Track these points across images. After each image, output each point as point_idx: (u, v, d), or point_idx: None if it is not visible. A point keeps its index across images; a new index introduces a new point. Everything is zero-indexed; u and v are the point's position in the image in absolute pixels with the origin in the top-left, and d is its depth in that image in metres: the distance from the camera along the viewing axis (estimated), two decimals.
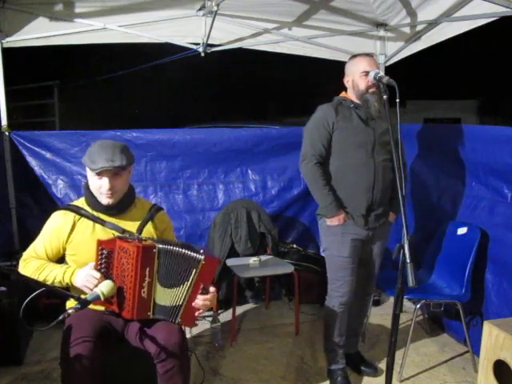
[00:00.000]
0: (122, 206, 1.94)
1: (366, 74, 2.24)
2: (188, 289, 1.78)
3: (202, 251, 1.78)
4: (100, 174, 1.83)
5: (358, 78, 2.29)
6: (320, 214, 2.43)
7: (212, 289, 1.83)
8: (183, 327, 1.89)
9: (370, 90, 2.26)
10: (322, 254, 2.51)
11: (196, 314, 1.83)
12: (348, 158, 2.30)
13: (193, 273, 1.77)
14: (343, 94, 2.41)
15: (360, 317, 2.65)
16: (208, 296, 1.81)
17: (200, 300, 1.80)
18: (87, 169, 1.88)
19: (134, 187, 2.04)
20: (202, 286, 1.79)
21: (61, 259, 1.94)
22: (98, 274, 1.73)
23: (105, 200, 1.88)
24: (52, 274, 1.80)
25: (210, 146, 3.53)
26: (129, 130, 3.43)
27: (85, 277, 1.74)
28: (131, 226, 1.95)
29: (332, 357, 2.47)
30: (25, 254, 1.91)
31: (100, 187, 1.86)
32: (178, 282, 1.78)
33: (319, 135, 2.31)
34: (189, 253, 1.77)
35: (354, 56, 2.39)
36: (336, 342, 2.43)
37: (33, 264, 1.84)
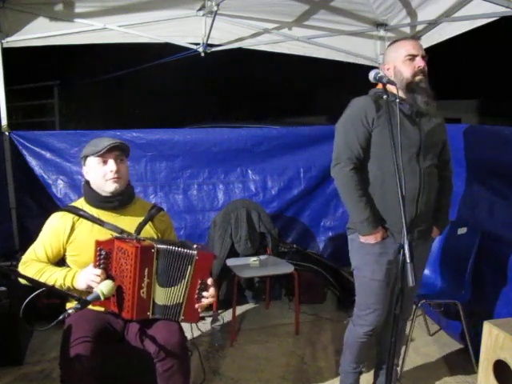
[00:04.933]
0: (123, 198, 1.94)
1: (412, 58, 1.93)
2: (186, 286, 1.79)
3: (194, 246, 1.79)
4: (105, 156, 1.86)
5: (401, 64, 1.95)
6: (352, 229, 2.07)
7: (210, 281, 1.84)
8: (190, 325, 1.89)
9: (417, 78, 1.94)
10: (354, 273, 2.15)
11: (198, 309, 1.84)
12: (389, 162, 1.84)
13: (188, 269, 1.78)
14: (381, 85, 1.97)
15: (398, 345, 2.20)
16: (210, 292, 1.83)
17: (204, 297, 1.82)
18: (88, 161, 1.91)
19: (133, 186, 2.04)
20: (199, 282, 1.80)
21: (61, 260, 1.94)
22: (98, 271, 1.73)
23: (111, 186, 1.88)
24: (53, 278, 1.80)
25: (210, 145, 3.54)
26: (129, 130, 3.44)
27: (87, 277, 1.74)
28: (130, 225, 1.94)
29: (344, 378, 2.27)
30: (24, 257, 1.90)
31: (105, 174, 1.87)
32: (176, 281, 1.79)
33: (357, 134, 1.95)
34: (182, 250, 1.78)
35: (395, 41, 2.05)
36: (353, 367, 2.22)
37: (32, 267, 1.83)
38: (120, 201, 1.94)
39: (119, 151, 1.91)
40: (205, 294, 1.82)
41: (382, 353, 2.30)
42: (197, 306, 1.83)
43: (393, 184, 1.86)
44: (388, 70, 2.03)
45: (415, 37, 2.04)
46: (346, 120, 2.02)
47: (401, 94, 1.94)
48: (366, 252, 2.02)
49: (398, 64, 1.97)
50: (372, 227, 1.95)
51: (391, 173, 1.89)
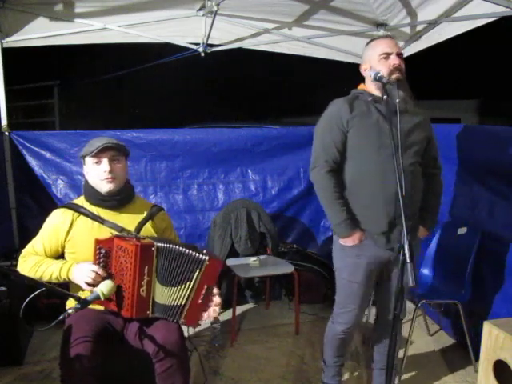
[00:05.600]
0: (121, 197, 1.95)
1: (387, 56, 1.93)
2: (191, 289, 1.79)
3: (204, 251, 1.79)
4: (99, 156, 1.86)
5: (376, 63, 1.96)
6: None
7: (216, 291, 1.84)
8: (186, 327, 1.89)
9: (394, 76, 1.92)
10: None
11: (203, 318, 1.83)
12: (366, 163, 1.95)
13: (196, 273, 1.78)
14: (361, 86, 2.07)
15: (390, 346, 2.20)
16: (215, 301, 1.83)
17: (211, 308, 1.82)
18: (86, 161, 1.92)
19: (133, 185, 2.05)
20: (205, 287, 1.80)
21: (60, 257, 1.94)
22: (95, 267, 1.74)
23: (106, 186, 1.89)
24: (49, 270, 1.81)
25: (210, 145, 3.54)
26: (129, 130, 3.44)
27: (84, 272, 1.74)
28: (130, 223, 1.95)
29: (327, 371, 2.32)
30: (24, 251, 1.91)
31: (99, 174, 1.88)
32: (179, 282, 1.78)
33: (332, 136, 1.97)
34: (191, 253, 1.77)
35: (370, 41, 2.06)
36: (334, 361, 2.27)
37: (30, 260, 1.85)
38: (118, 200, 1.94)
39: (115, 151, 1.90)
40: (212, 303, 1.82)
41: (378, 354, 2.30)
42: (199, 311, 1.82)
43: (370, 184, 1.94)
44: (365, 70, 2.04)
45: (390, 35, 2.05)
46: (322, 123, 2.04)
47: (378, 93, 1.96)
48: (345, 254, 2.05)
49: (374, 63, 1.97)
50: (349, 229, 1.97)
51: (369, 173, 1.94)
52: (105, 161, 1.88)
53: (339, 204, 1.97)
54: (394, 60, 1.94)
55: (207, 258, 1.77)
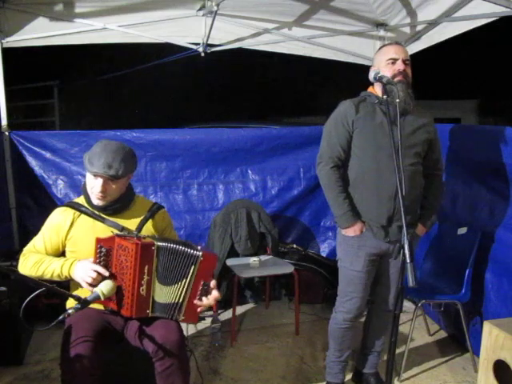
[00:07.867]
0: (117, 207, 1.94)
1: (393, 61, 2.07)
2: (188, 286, 1.79)
3: (199, 247, 1.79)
4: (95, 175, 1.85)
5: (383, 67, 2.09)
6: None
7: (213, 284, 1.83)
8: (187, 325, 1.89)
9: (396, 79, 2.04)
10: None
11: (198, 310, 1.84)
12: (369, 161, 2.09)
13: (191, 270, 1.78)
14: (370, 88, 2.21)
15: (380, 335, 2.38)
16: (213, 295, 1.83)
17: (204, 299, 1.81)
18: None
19: (132, 187, 2.04)
20: (202, 283, 1.80)
21: (60, 255, 1.93)
22: (98, 267, 1.73)
23: (95, 200, 1.89)
24: (51, 268, 1.81)
25: (210, 146, 3.54)
26: (129, 130, 3.43)
27: (85, 270, 1.74)
28: (131, 224, 1.95)
29: (330, 368, 2.37)
30: (25, 250, 1.92)
31: (93, 187, 1.87)
32: (176, 280, 1.79)
33: (337, 135, 2.13)
34: (186, 250, 1.78)
35: (382, 46, 2.23)
36: (336, 355, 2.32)
37: (32, 258, 1.85)
38: (114, 210, 1.94)
39: (109, 176, 1.84)
40: (207, 296, 1.82)
41: (366, 340, 2.41)
42: (197, 307, 1.83)
43: (372, 181, 2.09)
44: None
45: (399, 42, 2.22)
46: (329, 122, 2.19)
47: (384, 95, 2.03)
48: (346, 244, 2.19)
49: (381, 66, 2.10)
50: (351, 220, 2.12)
51: (371, 170, 2.09)
52: (100, 179, 1.85)
53: (341, 197, 2.12)
54: (400, 65, 2.07)
55: (201, 253, 1.77)
